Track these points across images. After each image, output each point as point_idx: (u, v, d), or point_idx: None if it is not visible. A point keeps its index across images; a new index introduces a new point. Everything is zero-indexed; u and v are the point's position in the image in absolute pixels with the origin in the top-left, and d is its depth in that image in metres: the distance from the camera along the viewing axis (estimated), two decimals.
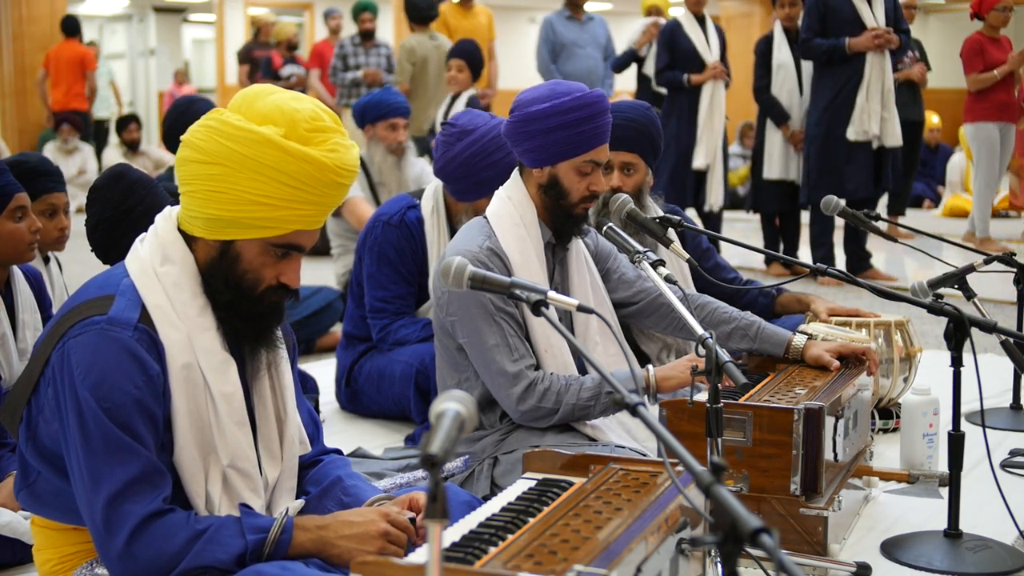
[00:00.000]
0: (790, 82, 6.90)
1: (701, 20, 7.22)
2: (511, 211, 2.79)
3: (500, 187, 2.89)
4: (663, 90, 7.37)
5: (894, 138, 6.41)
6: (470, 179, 3.49)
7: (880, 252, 7.00)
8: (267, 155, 1.82)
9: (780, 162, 6.92)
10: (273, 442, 2.00)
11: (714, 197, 7.04)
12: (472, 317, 2.69)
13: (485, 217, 2.82)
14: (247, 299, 1.90)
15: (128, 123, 11.44)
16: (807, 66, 6.91)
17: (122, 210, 2.79)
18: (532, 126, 2.70)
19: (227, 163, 1.82)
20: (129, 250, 2.77)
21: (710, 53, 7.11)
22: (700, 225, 7.21)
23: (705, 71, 7.04)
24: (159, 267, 1.90)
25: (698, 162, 7.05)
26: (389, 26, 14.30)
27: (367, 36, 9.10)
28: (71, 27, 11.43)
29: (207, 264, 1.91)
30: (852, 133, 6.34)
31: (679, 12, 7.39)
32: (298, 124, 1.84)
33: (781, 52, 6.91)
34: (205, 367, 1.88)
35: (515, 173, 2.85)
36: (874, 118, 6.32)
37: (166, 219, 1.96)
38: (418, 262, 3.71)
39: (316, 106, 1.89)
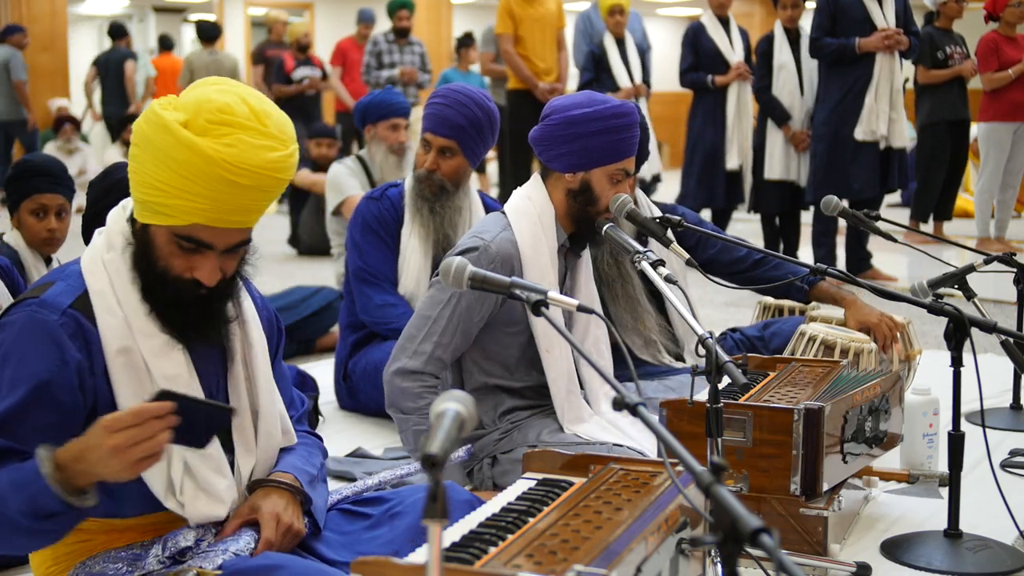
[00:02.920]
0: (791, 83, 6.91)
1: (724, 22, 7.34)
2: (530, 210, 2.83)
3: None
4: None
5: (901, 139, 6.41)
6: (431, 113, 3.58)
7: (880, 252, 6.99)
8: (164, 140, 1.80)
9: (781, 162, 6.93)
10: (248, 434, 2.00)
11: (748, 196, 7.28)
12: (447, 289, 2.71)
13: (503, 212, 2.85)
14: (159, 286, 1.88)
15: (128, 123, 11.44)
16: (808, 66, 6.92)
17: (97, 209, 2.80)
18: (573, 129, 2.75)
19: (141, 145, 1.83)
20: None
21: (734, 54, 7.25)
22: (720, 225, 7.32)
23: (730, 72, 7.21)
24: (105, 254, 1.92)
25: (732, 163, 7.25)
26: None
27: (401, 34, 8.91)
28: (168, 44, 13.24)
29: (136, 248, 1.91)
30: (860, 133, 6.33)
31: (703, 14, 7.49)
32: (202, 113, 1.80)
33: (782, 53, 6.92)
34: (145, 351, 1.87)
35: (536, 176, 2.89)
36: (882, 118, 6.31)
37: (120, 208, 1.97)
38: (393, 237, 3.77)
39: (241, 100, 1.83)
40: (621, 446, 2.70)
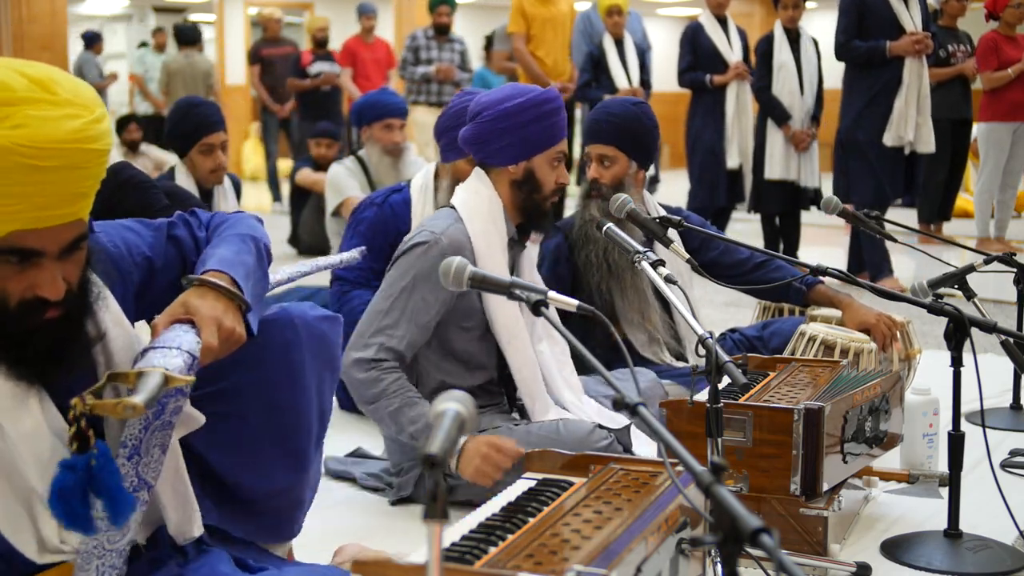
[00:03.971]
0: (791, 82, 6.90)
1: (723, 22, 7.35)
2: (480, 204, 2.86)
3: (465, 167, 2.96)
4: None
5: (927, 144, 6.25)
6: (456, 131, 3.54)
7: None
8: None
9: (781, 162, 6.92)
10: None
11: (748, 195, 7.28)
12: (407, 278, 2.76)
13: (452, 207, 2.89)
14: (3, 320, 1.58)
15: (128, 123, 11.43)
16: (808, 66, 6.90)
17: (105, 208, 2.79)
18: (507, 122, 2.80)
19: None
20: None
21: (732, 54, 7.25)
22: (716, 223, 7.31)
23: (728, 71, 7.20)
24: None
25: (732, 162, 7.25)
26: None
27: (441, 31, 8.71)
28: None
29: None
30: (889, 139, 6.17)
31: (701, 14, 7.50)
32: None
33: (782, 52, 6.90)
34: None
35: (479, 172, 2.92)
36: (910, 124, 6.16)
37: None
38: (390, 243, 3.74)
39: (18, 72, 1.54)
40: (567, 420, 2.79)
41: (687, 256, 2.65)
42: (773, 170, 6.92)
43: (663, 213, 3.41)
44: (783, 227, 7.21)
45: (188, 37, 11.07)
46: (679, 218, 2.95)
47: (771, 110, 6.92)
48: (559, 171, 2.88)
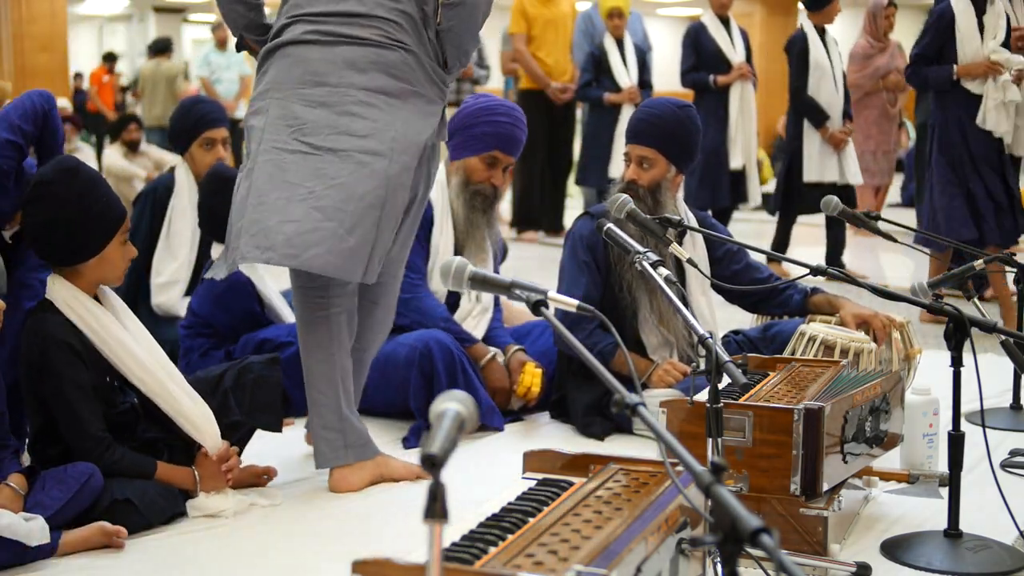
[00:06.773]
0: (828, 82, 6.62)
1: (725, 22, 7.30)
2: None
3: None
4: None
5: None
6: (469, 130, 3.58)
7: (881, 252, 6.99)
8: None
9: (819, 164, 6.61)
10: None
11: (752, 196, 7.22)
12: None
13: None
14: None
15: (128, 123, 11.43)
16: (837, 65, 6.70)
17: (81, 208, 2.67)
18: None
19: None
20: (85, 252, 2.59)
21: (735, 54, 7.20)
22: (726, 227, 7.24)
23: (732, 72, 7.14)
24: None
25: (735, 162, 7.16)
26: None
27: None
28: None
29: None
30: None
31: (703, 14, 7.48)
32: None
33: (818, 51, 6.65)
34: None
35: None
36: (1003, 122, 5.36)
37: None
38: (420, 243, 3.69)
39: None
40: None
41: (687, 256, 2.65)
42: (811, 172, 6.63)
43: (694, 220, 3.49)
44: (829, 230, 6.89)
45: (158, 47, 12.66)
46: (678, 218, 2.95)
47: (807, 112, 6.63)
48: None
